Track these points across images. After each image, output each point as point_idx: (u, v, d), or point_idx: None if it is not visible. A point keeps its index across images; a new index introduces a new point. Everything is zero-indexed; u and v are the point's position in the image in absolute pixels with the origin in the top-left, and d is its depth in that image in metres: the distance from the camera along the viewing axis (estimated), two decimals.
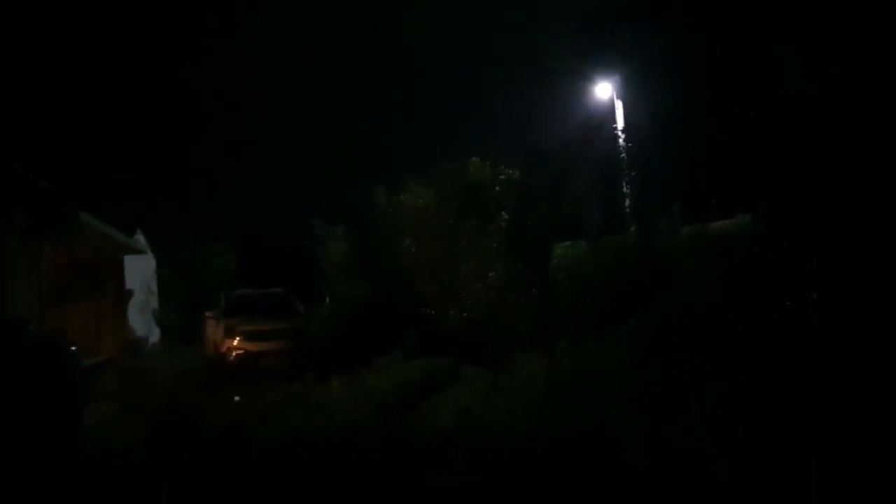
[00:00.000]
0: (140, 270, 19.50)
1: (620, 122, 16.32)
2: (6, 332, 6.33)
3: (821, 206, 7.64)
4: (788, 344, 6.38)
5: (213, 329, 16.55)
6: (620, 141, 13.77)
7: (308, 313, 17.54)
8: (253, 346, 15.04)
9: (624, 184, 13.12)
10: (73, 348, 6.84)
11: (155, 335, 21.44)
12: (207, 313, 17.48)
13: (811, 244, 7.26)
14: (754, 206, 10.12)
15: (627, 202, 12.77)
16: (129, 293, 18.07)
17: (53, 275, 10.97)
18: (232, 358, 15.07)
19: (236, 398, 12.38)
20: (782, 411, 5.59)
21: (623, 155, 13.53)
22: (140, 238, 18.82)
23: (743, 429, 5.68)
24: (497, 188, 12.58)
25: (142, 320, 20.45)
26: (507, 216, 11.92)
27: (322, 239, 20.40)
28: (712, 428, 5.82)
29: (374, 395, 10.83)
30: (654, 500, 5.19)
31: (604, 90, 17.90)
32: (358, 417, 9.63)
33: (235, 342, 15.15)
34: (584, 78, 17.49)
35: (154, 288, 21.59)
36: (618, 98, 17.58)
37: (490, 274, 11.79)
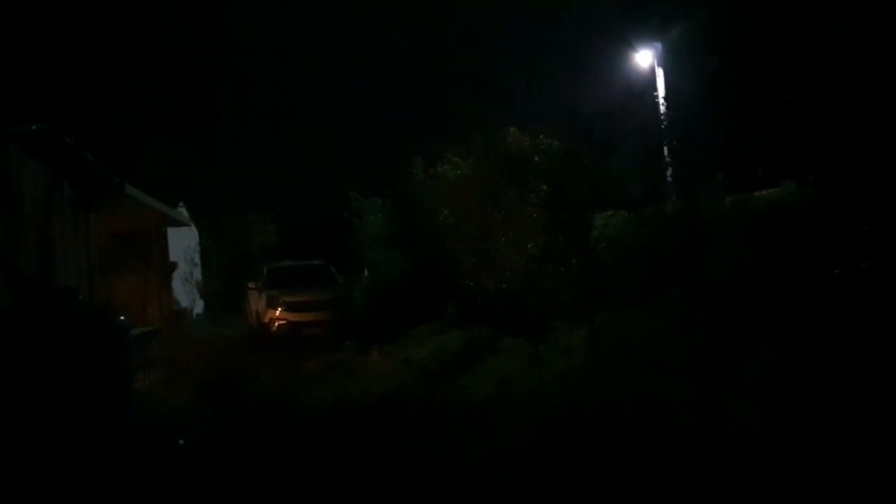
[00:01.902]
0: (183, 242, 19.87)
1: (662, 90, 15.95)
2: (59, 301, 6.53)
3: (874, 171, 7.41)
4: (836, 313, 6.23)
5: (255, 300, 16.85)
6: (662, 109, 13.49)
7: (347, 284, 17.72)
8: (294, 317, 15.27)
9: (666, 152, 12.87)
10: (122, 317, 7.04)
11: (199, 306, 21.89)
12: (249, 284, 17.78)
13: (863, 210, 7.05)
14: (801, 173, 9.86)
15: (669, 171, 12.51)
16: (174, 265, 18.43)
17: (101, 247, 11.24)
18: (274, 328, 15.33)
19: (279, 366, 12.61)
20: (829, 381, 5.47)
21: (665, 123, 13.26)
22: (183, 210, 19.15)
23: (789, 398, 5.58)
24: (536, 158, 12.43)
25: (186, 292, 20.86)
26: (546, 186, 11.80)
27: (360, 211, 20.50)
28: (758, 398, 5.74)
29: (413, 365, 10.93)
30: (698, 469, 5.14)
31: (644, 58, 17.49)
32: (397, 386, 9.73)
33: (277, 312, 15.41)
34: (625, 45, 17.09)
35: (197, 260, 21.98)
36: (659, 66, 17.17)
37: (529, 245, 11.72)
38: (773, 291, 7.40)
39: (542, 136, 12.85)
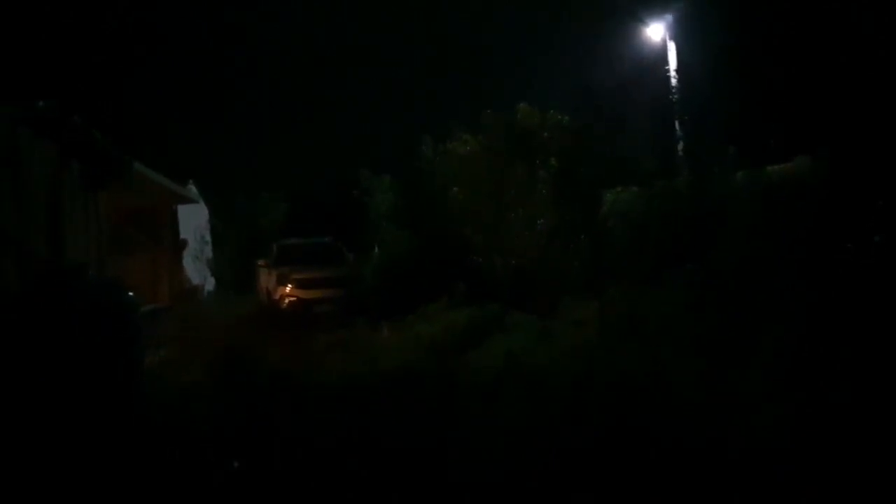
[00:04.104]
0: (194, 220, 19.90)
1: (673, 64, 15.76)
2: (68, 280, 6.55)
3: (888, 146, 7.31)
4: (849, 286, 6.17)
5: (265, 277, 16.89)
6: (673, 83, 13.35)
7: (357, 262, 17.73)
8: (304, 294, 15.30)
9: (677, 127, 12.76)
10: (131, 294, 7.05)
11: (210, 284, 21.98)
12: (259, 262, 17.81)
13: (876, 185, 6.96)
14: (814, 148, 9.75)
15: (681, 146, 12.42)
16: (184, 242, 18.48)
17: (111, 225, 11.26)
18: (284, 305, 15.37)
19: (290, 343, 12.65)
20: (842, 354, 5.43)
21: (676, 97, 13.14)
22: (192, 188, 19.15)
23: (801, 372, 5.55)
24: (546, 134, 12.34)
25: (197, 269, 20.94)
26: (556, 163, 11.72)
27: (370, 189, 20.46)
28: (770, 372, 5.71)
29: (422, 341, 10.94)
30: (708, 442, 5.12)
31: (656, 32, 17.26)
32: (407, 362, 9.74)
33: (287, 290, 15.43)
34: (636, 20, 16.88)
35: (208, 237, 22.03)
36: (670, 39, 16.95)
37: (539, 221, 11.67)
38: (787, 266, 7.35)
39: (552, 112, 12.75)
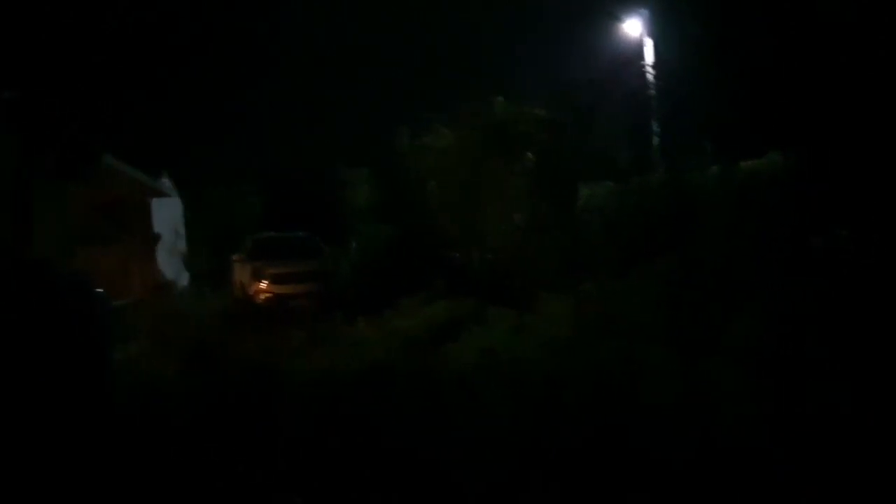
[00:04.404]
0: (168, 213, 19.63)
1: (650, 60, 15.84)
2: (33, 273, 6.40)
3: (855, 144, 7.41)
4: (817, 279, 6.25)
5: (240, 272, 16.72)
6: (650, 78, 13.43)
7: (333, 256, 17.62)
8: (280, 289, 15.17)
9: (653, 122, 12.84)
10: (100, 289, 6.92)
11: (184, 278, 21.72)
12: (234, 256, 17.63)
13: (844, 181, 7.06)
14: (786, 145, 9.87)
15: (656, 141, 12.50)
16: (157, 236, 18.23)
17: (82, 217, 11.07)
18: (259, 300, 15.23)
19: (265, 338, 12.53)
20: (812, 345, 5.49)
21: (652, 92, 13.22)
22: (166, 180, 18.89)
23: (772, 364, 5.61)
24: (522, 128, 12.35)
25: (171, 264, 20.67)
26: (532, 156, 11.73)
27: (346, 182, 20.33)
28: (742, 363, 5.76)
29: (399, 335, 10.90)
30: (683, 435, 5.16)
31: (633, 27, 17.34)
32: (384, 356, 9.70)
33: (263, 284, 15.29)
34: (613, 14, 16.94)
35: (182, 231, 21.75)
36: (647, 35, 17.03)
37: (516, 215, 11.68)
38: (757, 259, 7.42)
39: (528, 106, 12.75)
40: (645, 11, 16.59)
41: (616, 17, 16.99)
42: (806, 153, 8.92)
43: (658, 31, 15.63)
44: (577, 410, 5.87)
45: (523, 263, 11.14)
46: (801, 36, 9.09)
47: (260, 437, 5.96)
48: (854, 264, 5.99)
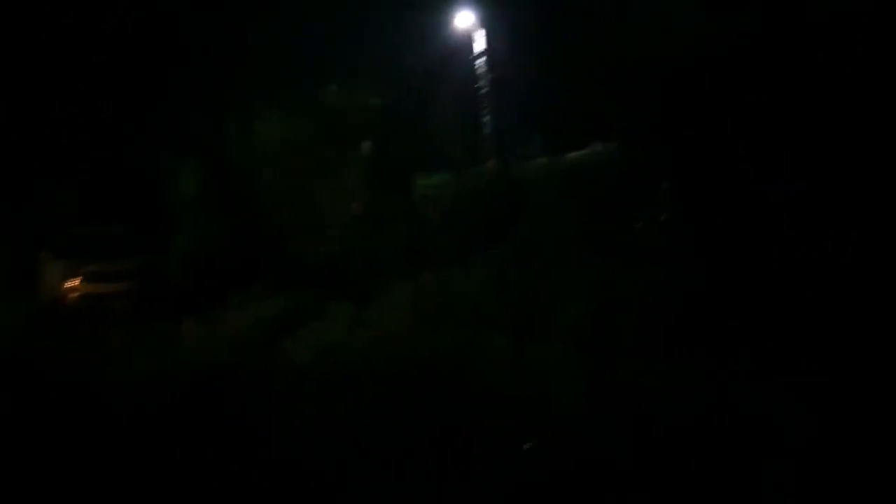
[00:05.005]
0: None
1: (481, 53, 16.15)
2: None
3: (672, 133, 7.90)
4: (640, 263, 6.62)
5: (50, 271, 15.19)
6: (481, 69, 13.71)
7: (158, 251, 16.46)
8: (95, 288, 13.94)
9: (486, 113, 13.13)
10: None
11: None
12: (43, 254, 16.00)
13: (662, 167, 7.53)
14: (609, 135, 10.42)
15: (489, 131, 12.80)
16: None
17: None
18: (72, 301, 13.92)
19: (81, 343, 11.47)
20: (637, 326, 5.79)
21: (484, 84, 13.51)
22: None
23: (599, 345, 5.86)
24: (357, 116, 12.15)
25: None
26: (368, 145, 11.58)
27: (172, 172, 19.06)
28: (570, 345, 5.97)
29: (230, 335, 10.38)
30: (514, 416, 5.25)
31: (466, 19, 17.59)
32: (214, 357, 9.20)
33: (75, 284, 13.99)
34: (445, 6, 17.10)
35: None
36: (479, 27, 17.36)
37: (353, 205, 11.48)
38: (584, 245, 7.76)
39: (364, 95, 12.55)
40: (478, 4, 16.88)
41: (449, 7, 17.16)
42: (625, 143, 9.43)
43: (489, 24, 15.97)
44: (414, 401, 5.83)
45: (361, 254, 10.97)
46: (617, 31, 9.59)
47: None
48: (673, 247, 6.40)
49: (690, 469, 4.20)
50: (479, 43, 16.83)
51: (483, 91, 13.98)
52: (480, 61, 14.64)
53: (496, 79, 14.14)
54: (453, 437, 5.04)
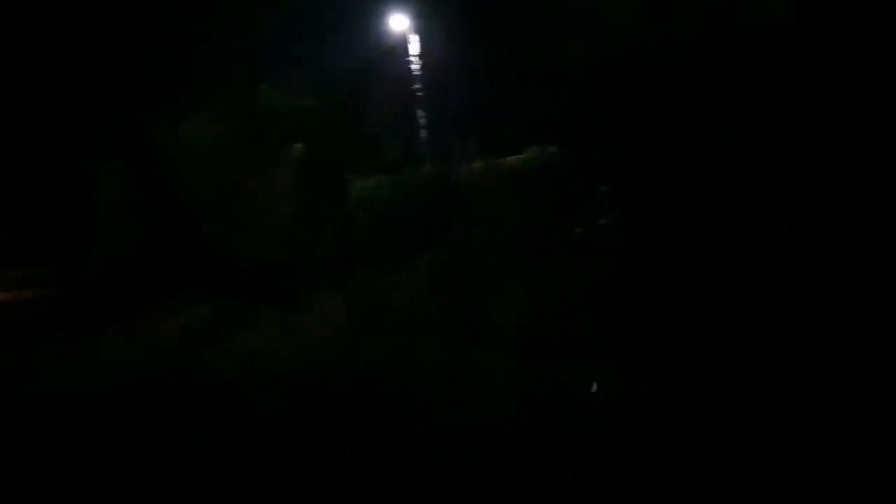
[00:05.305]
0: None
1: (416, 55, 16.00)
2: None
3: (610, 136, 7.90)
4: (579, 266, 6.55)
5: None
6: (415, 72, 13.55)
7: (79, 256, 15.68)
8: (8, 296, 13.12)
9: (421, 116, 12.96)
10: None
11: None
12: None
13: (601, 171, 7.50)
14: (546, 139, 10.40)
15: (424, 134, 12.63)
16: None
17: None
18: None
19: None
20: (576, 330, 5.70)
21: (419, 86, 13.35)
22: None
23: (537, 350, 5.74)
24: (288, 117, 11.80)
25: None
26: (299, 147, 11.24)
27: (96, 174, 18.24)
28: (508, 351, 5.84)
29: (155, 344, 9.88)
30: (453, 424, 5.08)
31: (401, 21, 17.43)
32: (137, 368, 8.73)
33: None
34: (379, 7, 16.89)
35: None
36: (413, 31, 17.21)
37: (283, 209, 11.11)
38: (522, 249, 7.65)
39: (294, 94, 12.20)
40: (411, 8, 16.74)
41: (384, 9, 16.96)
42: (564, 147, 9.41)
43: (423, 26, 15.85)
44: (345, 411, 5.58)
45: (293, 259, 10.61)
46: (555, 35, 9.58)
47: None
48: (614, 251, 6.36)
49: (619, 478, 4.14)
50: (415, 45, 16.70)
51: (419, 93, 13.82)
52: (416, 63, 14.49)
53: (431, 81, 14.02)
54: (382, 446, 4.83)
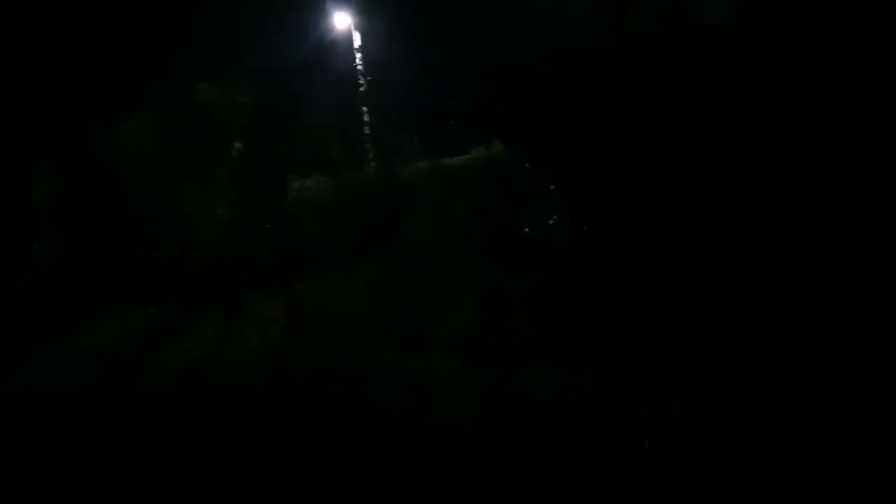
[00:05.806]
0: None
1: (357, 53, 15.83)
2: None
3: (556, 136, 7.91)
4: (528, 266, 6.54)
5: None
6: (358, 70, 13.41)
7: (10, 262, 15.06)
8: None
9: (364, 116, 12.84)
10: None
11: None
12: None
13: (549, 171, 7.50)
14: (493, 139, 10.40)
15: (367, 133, 12.52)
16: None
17: None
18: None
19: None
20: (525, 332, 5.69)
21: (362, 87, 13.22)
22: None
23: (485, 353, 5.71)
24: (227, 115, 11.52)
25: None
26: (238, 145, 10.99)
27: (29, 175, 17.54)
28: (456, 355, 5.80)
29: (90, 353, 9.53)
30: (399, 429, 5.01)
31: (342, 19, 17.22)
32: (70, 380, 8.40)
33: None
34: (322, 3, 16.64)
35: None
36: (356, 28, 17.02)
37: (221, 209, 10.85)
38: (469, 249, 7.61)
39: (232, 92, 11.92)
40: (354, 6, 16.55)
41: (327, 6, 16.74)
42: (510, 147, 9.41)
43: (365, 25, 15.69)
44: (288, 420, 5.46)
45: (233, 261, 10.36)
46: (502, 32, 9.56)
47: None
48: (563, 250, 6.36)
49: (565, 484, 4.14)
50: (358, 42, 16.50)
51: (362, 92, 13.68)
52: (358, 62, 14.33)
53: (375, 79, 13.88)
54: (325, 457, 4.74)
